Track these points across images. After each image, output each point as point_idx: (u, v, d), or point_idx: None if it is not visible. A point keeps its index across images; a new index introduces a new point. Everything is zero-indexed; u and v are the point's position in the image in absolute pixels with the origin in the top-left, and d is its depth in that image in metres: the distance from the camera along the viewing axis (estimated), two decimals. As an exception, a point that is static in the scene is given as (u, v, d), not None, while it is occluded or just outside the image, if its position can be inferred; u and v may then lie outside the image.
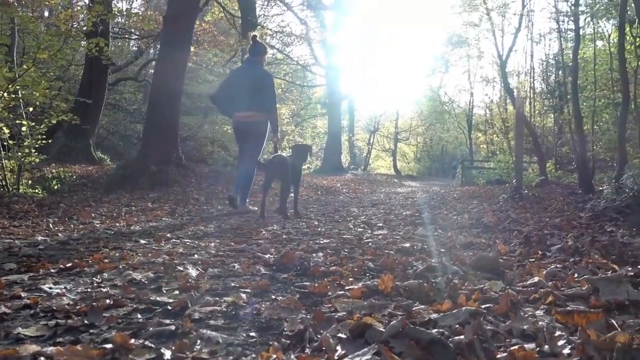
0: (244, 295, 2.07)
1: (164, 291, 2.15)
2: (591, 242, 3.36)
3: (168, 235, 4.22)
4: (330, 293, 2.10)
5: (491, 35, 21.06)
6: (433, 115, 39.41)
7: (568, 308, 1.62)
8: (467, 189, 13.85)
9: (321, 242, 3.85)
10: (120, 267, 2.63)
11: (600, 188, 8.60)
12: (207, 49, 17.13)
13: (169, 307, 1.88)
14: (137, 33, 18.31)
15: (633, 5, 6.51)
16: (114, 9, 13.70)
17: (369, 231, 4.68)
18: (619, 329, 1.46)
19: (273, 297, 2.09)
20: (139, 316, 1.79)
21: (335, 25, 24.65)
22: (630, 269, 2.41)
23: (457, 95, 38.61)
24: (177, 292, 2.12)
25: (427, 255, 3.03)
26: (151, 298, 2.00)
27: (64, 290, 2.15)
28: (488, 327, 1.50)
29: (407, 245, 3.49)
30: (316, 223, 5.40)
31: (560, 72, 21.62)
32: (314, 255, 3.09)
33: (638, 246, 3.32)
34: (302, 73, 28.24)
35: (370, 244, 3.73)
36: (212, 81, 25.02)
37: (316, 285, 2.19)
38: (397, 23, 66.74)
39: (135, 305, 1.91)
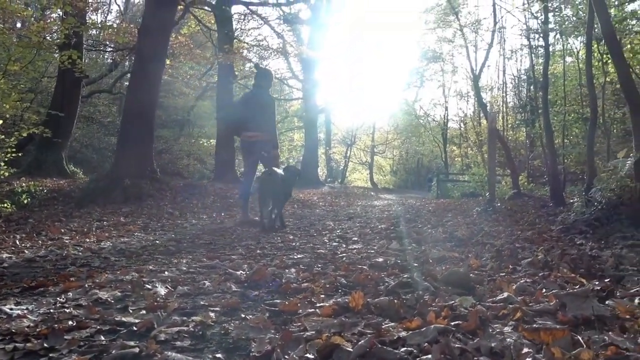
0: (212, 314, 2.03)
1: (131, 311, 2.10)
2: (561, 256, 3.41)
3: (139, 251, 4.15)
4: (300, 311, 2.08)
5: (464, 50, 21.47)
6: (409, 128, 39.81)
7: (534, 325, 1.63)
8: (442, 202, 13.99)
9: (295, 257, 3.83)
10: (87, 285, 2.57)
11: (571, 201, 8.76)
12: (183, 62, 17.04)
13: (134, 328, 1.84)
14: (112, 45, 18.14)
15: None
16: (88, 21, 13.55)
17: (344, 245, 4.67)
18: (585, 345, 1.47)
19: (243, 315, 2.06)
20: (102, 338, 1.74)
21: (312, 40, 24.83)
22: (597, 282, 2.44)
23: (432, 109, 39.04)
24: (143, 311, 2.08)
25: (400, 270, 3.03)
26: (116, 318, 1.95)
27: (25, 311, 2.08)
28: (456, 345, 1.49)
29: (381, 260, 3.48)
30: (291, 237, 5.37)
31: (531, 87, 22.12)
32: (287, 271, 3.07)
33: (606, 259, 3.39)
34: (279, 86, 28.31)
35: (344, 258, 3.72)
36: (189, 94, 24.91)
37: (287, 303, 2.17)
38: (373, 38, 67.56)
39: (99, 327, 1.86)
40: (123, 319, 1.95)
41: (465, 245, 4.41)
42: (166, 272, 3.06)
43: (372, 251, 4.17)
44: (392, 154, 46.09)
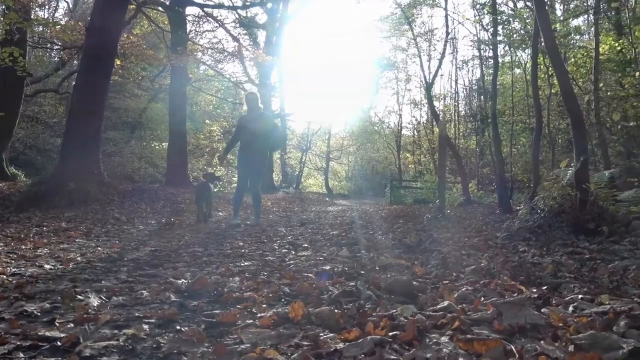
0: (146, 327, 1.95)
1: (57, 324, 1.98)
2: (503, 263, 3.48)
3: (78, 258, 3.96)
4: (239, 322, 2.02)
5: (418, 60, 21.89)
6: (364, 135, 40.20)
7: (468, 335, 1.64)
8: (394, 208, 14.15)
9: (242, 264, 3.75)
10: (13, 297, 2.41)
11: (518, 208, 9.05)
12: (134, 62, 16.60)
13: (59, 343, 1.73)
14: (59, 43, 17.46)
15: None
16: (32, 18, 13.00)
17: (293, 252, 4.62)
18: (517, 355, 1.48)
19: (178, 327, 1.98)
20: (21, 355, 1.62)
21: (268, 44, 24.73)
22: (535, 290, 2.50)
23: (387, 116, 39.62)
24: (71, 325, 1.96)
25: (345, 278, 3.01)
26: (39, 333, 1.83)
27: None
28: (391, 357, 1.47)
29: (328, 267, 3.46)
30: (241, 244, 5.28)
31: (482, 97, 22.79)
32: (231, 279, 2.99)
33: (546, 266, 3.48)
34: (235, 90, 28.01)
35: (291, 266, 3.67)
36: (141, 96, 24.30)
37: (226, 313, 2.10)
38: (330, 44, 67.99)
39: (19, 342, 1.73)
40: (47, 333, 1.83)
41: (413, 252, 4.45)
42: (103, 281, 2.92)
43: (321, 258, 4.14)
44: (347, 160, 46.43)
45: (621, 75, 12.68)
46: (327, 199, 24.91)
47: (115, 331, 1.89)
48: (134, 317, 2.12)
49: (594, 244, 4.52)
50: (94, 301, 2.34)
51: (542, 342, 1.60)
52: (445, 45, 19.26)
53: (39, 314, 2.14)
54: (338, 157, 44.17)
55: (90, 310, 2.18)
